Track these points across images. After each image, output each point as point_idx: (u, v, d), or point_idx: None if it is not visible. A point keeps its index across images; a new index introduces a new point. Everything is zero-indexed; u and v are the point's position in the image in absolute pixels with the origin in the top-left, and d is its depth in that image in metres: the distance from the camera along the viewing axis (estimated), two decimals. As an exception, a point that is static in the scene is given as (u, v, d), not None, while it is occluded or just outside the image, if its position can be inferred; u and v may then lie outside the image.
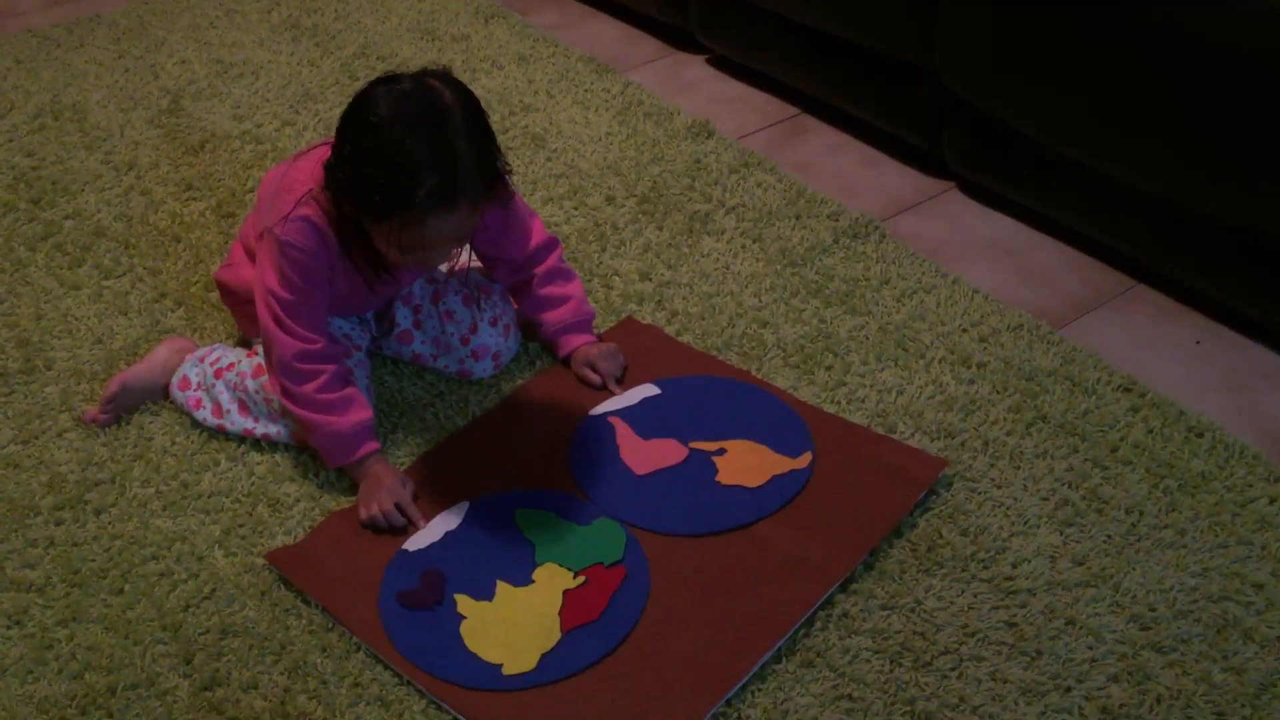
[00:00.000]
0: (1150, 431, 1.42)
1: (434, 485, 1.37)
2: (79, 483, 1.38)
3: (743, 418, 1.44)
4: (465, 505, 1.34)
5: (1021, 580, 1.25)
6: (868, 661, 1.17)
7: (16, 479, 1.39)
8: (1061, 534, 1.30)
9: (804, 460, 1.38)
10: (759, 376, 1.51)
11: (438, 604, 1.22)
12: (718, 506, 1.33)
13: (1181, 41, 1.46)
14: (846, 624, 1.20)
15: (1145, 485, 1.35)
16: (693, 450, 1.40)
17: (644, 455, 1.40)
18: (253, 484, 1.38)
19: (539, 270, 1.51)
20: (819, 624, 1.20)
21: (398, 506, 1.31)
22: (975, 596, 1.23)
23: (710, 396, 1.48)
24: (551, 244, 1.52)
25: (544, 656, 1.17)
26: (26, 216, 1.86)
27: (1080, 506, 1.33)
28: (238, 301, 1.51)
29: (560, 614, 1.21)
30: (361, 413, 1.36)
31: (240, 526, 1.33)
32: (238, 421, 1.43)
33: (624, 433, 1.43)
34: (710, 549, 1.28)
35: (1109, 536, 1.29)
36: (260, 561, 1.28)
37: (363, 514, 1.31)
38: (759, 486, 1.35)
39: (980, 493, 1.35)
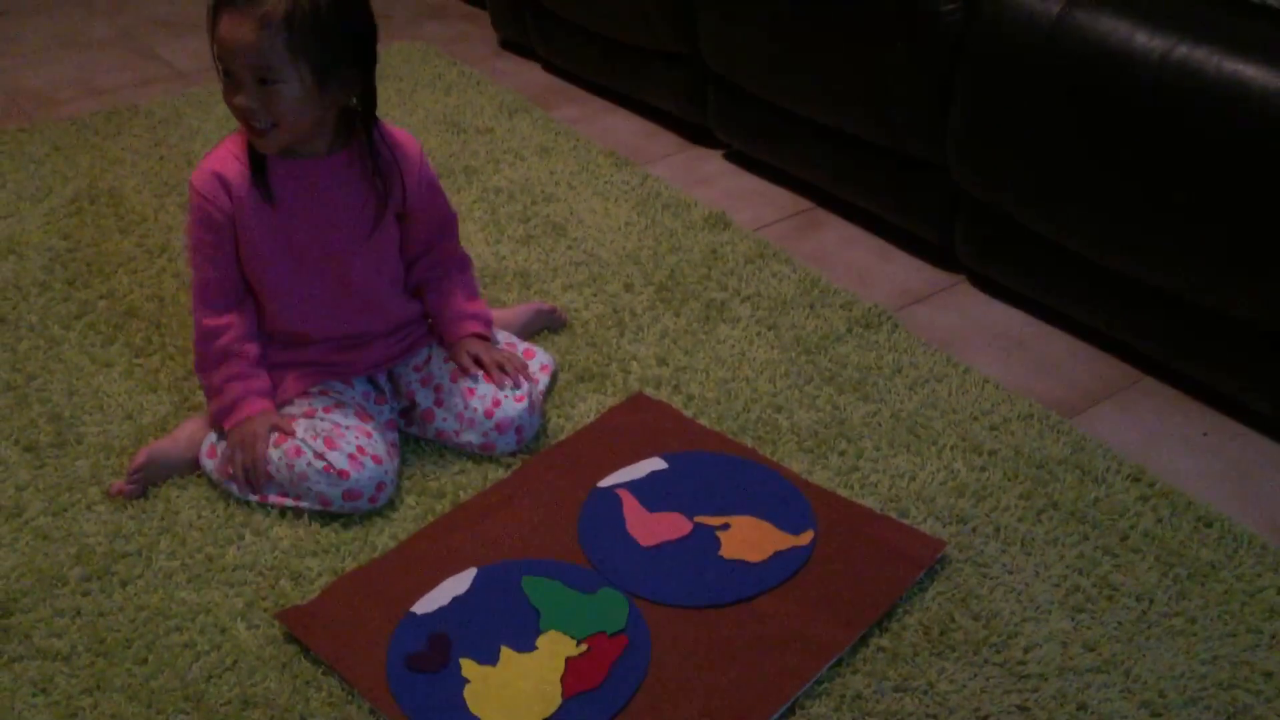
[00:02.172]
0: (1159, 520, 1.44)
1: (444, 551, 1.40)
2: (106, 554, 1.41)
3: (747, 494, 1.48)
4: (473, 571, 1.37)
5: (1034, 665, 1.26)
6: (881, 743, 1.18)
7: (46, 550, 1.42)
8: (1073, 620, 1.31)
9: (806, 538, 1.41)
10: (774, 459, 1.54)
11: (443, 667, 1.25)
12: (720, 580, 1.35)
13: (1187, 138, 1.51)
14: (860, 705, 1.22)
15: (1155, 573, 1.37)
16: (697, 524, 1.43)
17: (649, 528, 1.43)
18: (276, 558, 1.41)
19: (441, 254, 1.60)
20: (832, 704, 1.22)
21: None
22: (988, 680, 1.24)
23: (716, 472, 1.51)
24: (453, 222, 1.61)
25: (544, 722, 1.19)
26: (61, 296, 1.92)
27: (1091, 593, 1.35)
28: None
29: (562, 680, 1.23)
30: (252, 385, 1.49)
31: (263, 599, 1.35)
32: (262, 489, 1.47)
33: (630, 505, 1.46)
34: (712, 621, 1.31)
35: (1120, 623, 1.31)
36: (282, 633, 1.30)
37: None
38: (761, 562, 1.38)
39: (992, 578, 1.37)
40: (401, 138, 1.51)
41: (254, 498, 1.47)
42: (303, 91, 1.34)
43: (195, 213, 1.44)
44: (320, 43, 1.32)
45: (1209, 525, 1.44)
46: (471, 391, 1.54)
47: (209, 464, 1.51)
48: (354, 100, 1.43)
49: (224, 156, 1.43)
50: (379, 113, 1.46)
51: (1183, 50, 1.50)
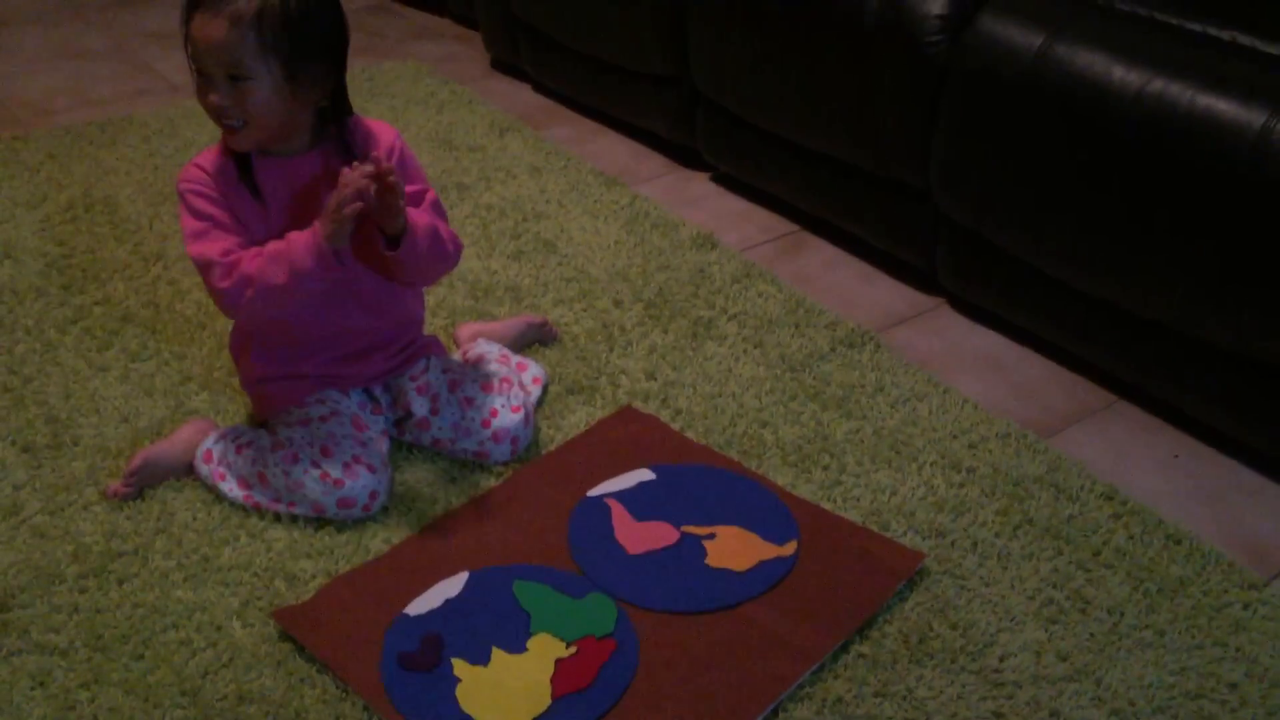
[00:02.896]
0: (1131, 537, 1.49)
1: (436, 554, 1.43)
2: (103, 553, 1.44)
3: (733, 505, 1.52)
4: (465, 575, 1.40)
5: (1009, 673, 1.30)
6: (861, 746, 1.22)
7: (43, 548, 1.45)
8: (1047, 630, 1.36)
9: (789, 548, 1.45)
10: (759, 473, 1.58)
11: (435, 666, 1.28)
12: (706, 587, 1.39)
13: (1163, 168, 1.56)
14: (841, 709, 1.25)
15: (1126, 588, 1.42)
16: (684, 533, 1.47)
17: (638, 536, 1.47)
18: (271, 559, 1.43)
19: None
20: (814, 708, 1.25)
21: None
22: (964, 687, 1.28)
23: (703, 484, 1.56)
24: (433, 200, 1.53)
25: (534, 720, 1.23)
26: (57, 301, 1.94)
27: (1064, 605, 1.39)
28: (247, 384, 1.62)
29: (551, 681, 1.27)
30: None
31: (258, 599, 1.38)
32: (257, 495, 1.50)
33: (619, 514, 1.50)
34: (697, 626, 1.34)
35: (1091, 635, 1.35)
36: (277, 632, 1.33)
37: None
38: (746, 570, 1.41)
39: (969, 589, 1.41)
40: (377, 128, 1.52)
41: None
42: (273, 89, 1.37)
43: (185, 203, 1.44)
44: (290, 40, 1.35)
45: (1178, 543, 1.48)
46: (469, 402, 1.58)
47: (205, 469, 1.54)
48: (325, 100, 1.44)
49: (209, 156, 1.46)
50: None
51: (1159, 84, 1.56)
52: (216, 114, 1.39)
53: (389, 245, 1.43)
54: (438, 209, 1.53)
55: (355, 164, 1.37)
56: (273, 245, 1.42)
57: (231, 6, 1.33)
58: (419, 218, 1.45)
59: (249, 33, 1.33)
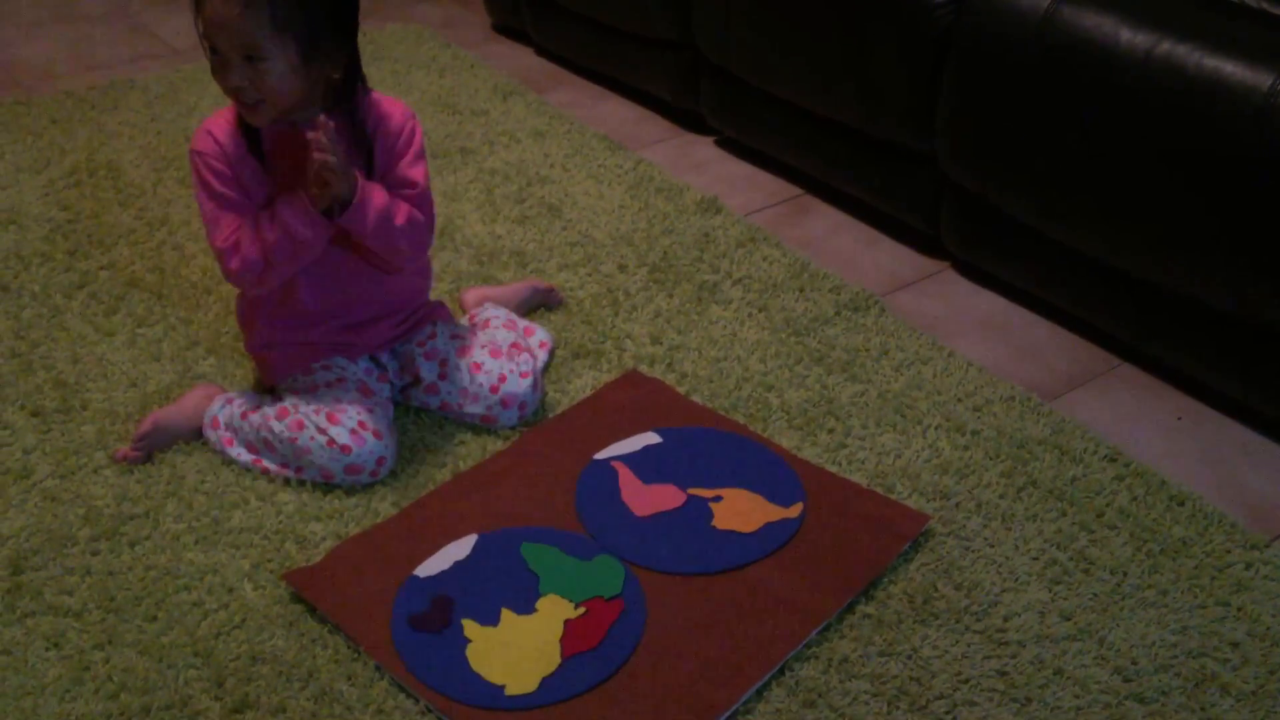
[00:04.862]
0: (1134, 499, 1.50)
1: (445, 517, 1.45)
2: (114, 516, 1.45)
3: (739, 468, 1.53)
4: (474, 537, 1.41)
5: (1012, 632, 1.31)
6: (866, 704, 1.23)
7: (55, 511, 1.46)
8: (1050, 591, 1.37)
9: (795, 510, 1.46)
10: (765, 436, 1.59)
11: (446, 627, 1.29)
12: (713, 549, 1.41)
13: (1169, 130, 1.56)
14: (847, 668, 1.27)
15: (1129, 548, 1.43)
16: (691, 496, 1.48)
17: (645, 498, 1.48)
18: (281, 522, 1.45)
19: None
20: (820, 667, 1.27)
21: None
22: (969, 646, 1.30)
23: (709, 446, 1.56)
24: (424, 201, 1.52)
25: (544, 680, 1.24)
26: (63, 266, 1.95)
27: (1068, 566, 1.40)
28: (252, 349, 1.63)
29: (561, 641, 1.28)
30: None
31: (269, 561, 1.39)
32: (265, 460, 1.51)
33: (626, 477, 1.51)
34: (704, 588, 1.36)
35: (1095, 594, 1.37)
36: (288, 594, 1.34)
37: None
38: (752, 532, 1.43)
39: (974, 550, 1.42)
40: (389, 108, 1.51)
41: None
42: (289, 66, 1.37)
43: (197, 175, 1.46)
44: (304, 16, 1.36)
45: (1181, 504, 1.49)
46: (478, 367, 1.58)
47: (213, 435, 1.55)
48: (338, 73, 1.44)
49: (219, 122, 1.47)
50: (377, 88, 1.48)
51: (1166, 46, 1.56)
52: (233, 93, 1.39)
53: (326, 213, 1.43)
54: (419, 202, 1.51)
55: (317, 125, 1.37)
56: (267, 226, 1.43)
57: None
58: (376, 195, 1.45)
59: (264, 12, 1.33)
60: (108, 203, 2.15)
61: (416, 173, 1.52)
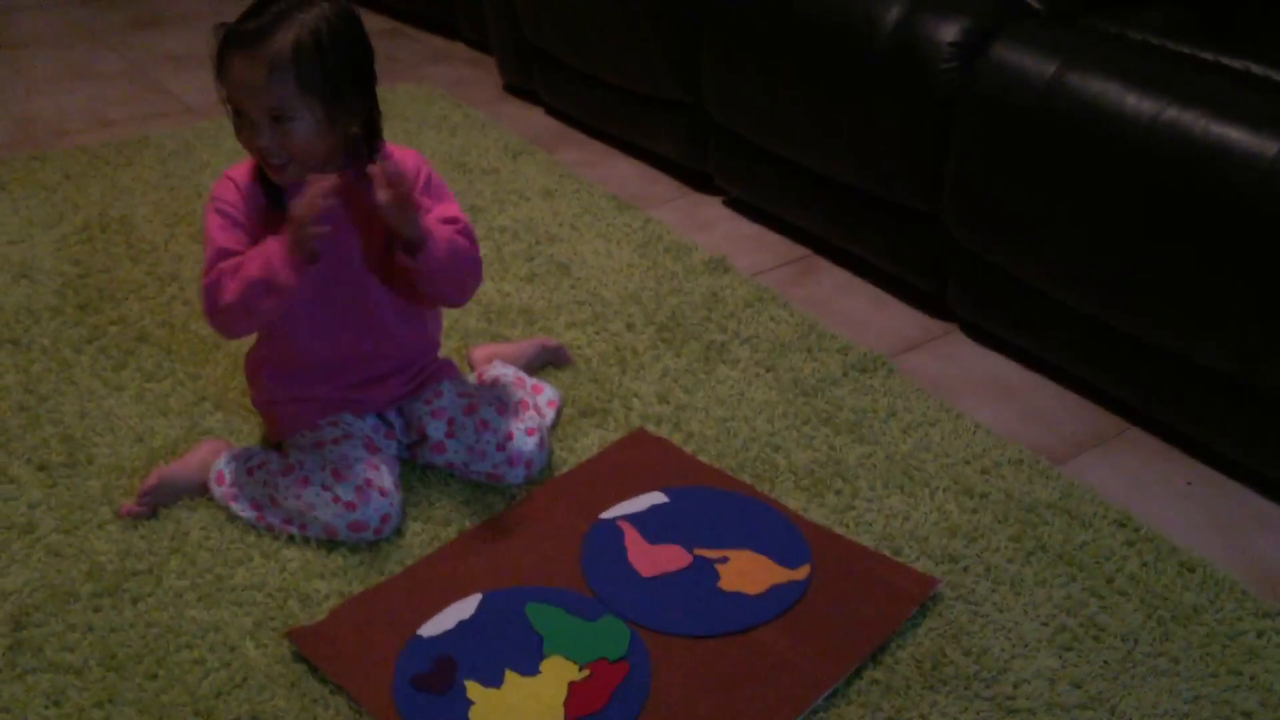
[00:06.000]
0: (1144, 564, 1.49)
1: (450, 576, 1.44)
2: (117, 572, 1.44)
3: (745, 529, 1.52)
4: (479, 596, 1.40)
5: (1022, 700, 1.30)
6: (874, 772, 1.22)
7: (58, 566, 1.45)
8: (1060, 658, 1.35)
9: (802, 572, 1.45)
10: (771, 497, 1.59)
11: (449, 688, 1.28)
12: (718, 611, 1.39)
13: (1175, 196, 1.57)
14: (854, 735, 1.25)
15: (1140, 615, 1.41)
16: (697, 556, 1.48)
17: (650, 559, 1.47)
18: (284, 579, 1.44)
19: None
20: (828, 733, 1.25)
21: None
22: (978, 714, 1.28)
23: (715, 507, 1.56)
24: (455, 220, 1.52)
25: (550, 745, 1.22)
26: (73, 320, 1.95)
27: (1078, 633, 1.39)
28: (260, 404, 1.63)
29: (565, 704, 1.27)
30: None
31: (272, 619, 1.38)
32: (269, 517, 1.50)
33: (632, 537, 1.50)
34: (709, 650, 1.34)
35: (1106, 662, 1.35)
36: (290, 652, 1.33)
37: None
38: (759, 594, 1.42)
39: (982, 615, 1.41)
40: (400, 154, 1.53)
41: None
42: (315, 125, 1.39)
43: (209, 211, 1.47)
44: (327, 75, 1.37)
45: (1191, 570, 1.48)
46: (485, 425, 1.58)
47: (218, 490, 1.54)
48: (357, 128, 1.45)
49: (243, 171, 1.48)
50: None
51: (1171, 113, 1.57)
52: (260, 154, 1.41)
53: (405, 251, 1.44)
54: (468, 235, 1.52)
55: (377, 164, 1.38)
56: (245, 268, 1.41)
57: (269, 49, 1.34)
58: (439, 229, 1.46)
59: (289, 74, 1.35)
60: (119, 258, 2.16)
61: (452, 208, 1.53)
